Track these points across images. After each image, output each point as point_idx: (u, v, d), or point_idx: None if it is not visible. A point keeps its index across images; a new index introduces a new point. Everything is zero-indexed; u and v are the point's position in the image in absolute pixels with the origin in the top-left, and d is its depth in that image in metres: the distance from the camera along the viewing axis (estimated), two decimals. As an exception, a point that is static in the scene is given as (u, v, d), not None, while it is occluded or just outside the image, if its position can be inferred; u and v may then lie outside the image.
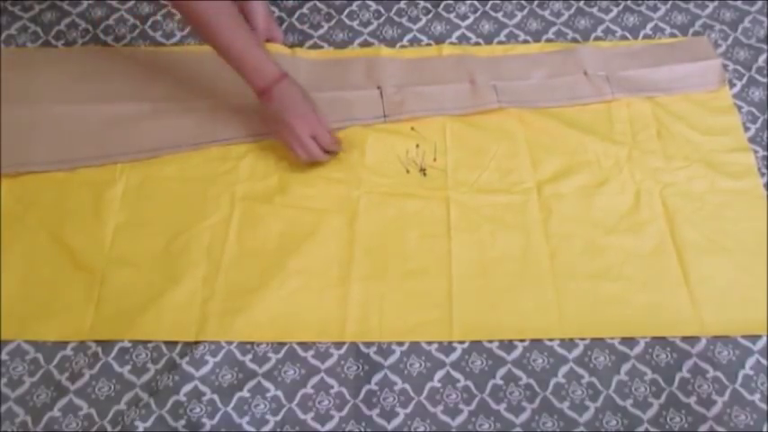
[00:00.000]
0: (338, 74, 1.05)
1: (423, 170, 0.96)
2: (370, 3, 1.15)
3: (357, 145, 0.98)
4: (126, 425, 0.76)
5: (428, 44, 1.10)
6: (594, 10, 1.14)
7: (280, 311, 0.84)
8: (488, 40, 1.11)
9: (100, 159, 0.95)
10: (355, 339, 0.83)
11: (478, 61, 1.06)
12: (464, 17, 1.13)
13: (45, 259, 0.87)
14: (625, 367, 0.81)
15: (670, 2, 1.15)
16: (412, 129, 0.99)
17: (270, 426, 0.77)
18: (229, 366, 0.81)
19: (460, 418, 0.78)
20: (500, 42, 1.10)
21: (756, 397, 0.79)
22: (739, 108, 1.02)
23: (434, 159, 0.97)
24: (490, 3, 1.15)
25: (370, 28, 1.12)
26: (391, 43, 1.10)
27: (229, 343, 0.83)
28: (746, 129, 1.00)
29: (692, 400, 0.79)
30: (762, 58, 1.08)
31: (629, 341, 0.83)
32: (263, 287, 0.86)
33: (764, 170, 0.96)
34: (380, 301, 0.85)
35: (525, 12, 1.14)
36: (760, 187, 0.94)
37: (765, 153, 0.98)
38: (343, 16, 1.13)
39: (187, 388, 0.79)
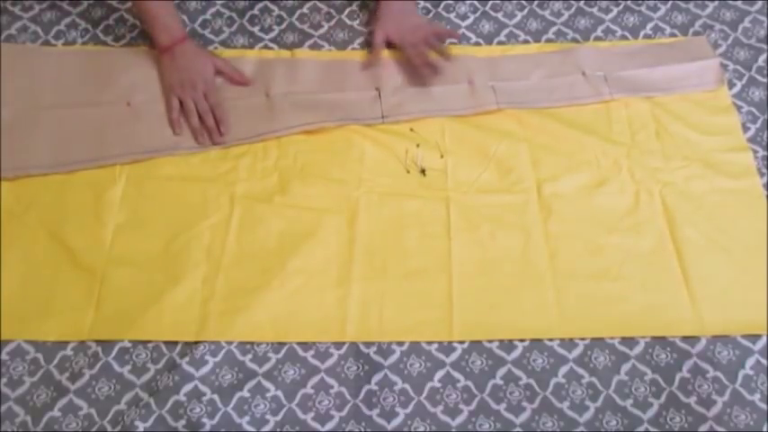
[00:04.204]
0: (337, 75, 1.05)
1: (423, 170, 0.96)
2: (370, 2, 1.15)
3: (357, 145, 0.98)
4: (126, 425, 0.76)
5: (428, 44, 1.10)
6: (594, 10, 1.14)
7: (280, 311, 0.84)
8: (488, 40, 1.11)
9: (99, 161, 0.95)
10: (355, 339, 0.83)
11: (477, 62, 1.06)
12: (464, 17, 1.13)
13: (45, 259, 0.87)
14: (625, 367, 0.81)
15: (670, 2, 1.15)
16: (411, 130, 0.99)
17: (270, 426, 0.77)
18: (229, 366, 0.81)
19: (460, 418, 0.78)
20: (500, 42, 1.10)
21: (756, 397, 0.79)
22: (739, 108, 1.02)
23: (441, 156, 0.97)
24: (490, 3, 1.15)
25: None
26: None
27: (229, 343, 0.83)
28: (746, 129, 1.00)
29: (692, 400, 0.79)
30: (762, 58, 1.08)
31: (629, 341, 0.83)
32: (263, 287, 0.86)
33: (764, 170, 0.96)
34: (380, 301, 0.85)
35: (525, 12, 1.14)
36: (759, 187, 0.95)
37: (765, 153, 0.98)
38: (343, 16, 1.13)
39: (187, 388, 0.79)
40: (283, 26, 1.12)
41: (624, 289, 0.86)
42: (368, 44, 1.09)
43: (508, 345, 0.83)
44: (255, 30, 1.11)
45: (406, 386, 0.80)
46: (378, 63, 1.05)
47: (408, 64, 1.04)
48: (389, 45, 1.07)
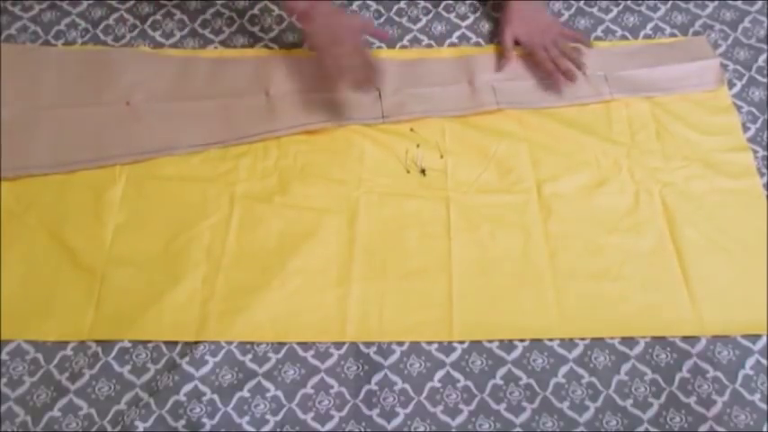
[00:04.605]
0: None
1: (423, 170, 0.96)
2: (370, 3, 1.15)
3: (357, 145, 0.98)
4: (126, 425, 0.76)
5: (428, 44, 1.10)
6: (594, 10, 1.14)
7: (280, 311, 0.84)
8: (488, 40, 1.10)
9: (99, 161, 0.95)
10: (355, 339, 0.83)
11: (477, 62, 1.06)
12: (464, 17, 1.13)
13: (45, 259, 0.87)
14: (625, 367, 0.81)
15: (670, 2, 1.15)
16: (411, 130, 0.99)
17: (270, 426, 0.77)
18: (229, 366, 0.81)
19: (460, 418, 0.78)
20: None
21: (756, 397, 0.79)
22: (739, 108, 1.02)
23: (441, 157, 0.97)
24: (490, 3, 1.15)
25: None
26: (391, 43, 1.10)
27: (229, 343, 0.83)
28: (746, 129, 1.00)
29: (692, 400, 0.79)
30: (762, 58, 1.08)
31: (629, 341, 0.83)
32: (263, 287, 0.86)
33: (764, 170, 0.96)
34: (380, 301, 0.85)
35: (525, 12, 1.14)
36: (759, 187, 0.94)
37: (765, 153, 0.98)
38: (343, 16, 1.13)
39: (187, 388, 0.79)
40: (283, 26, 1.12)
41: (624, 289, 0.86)
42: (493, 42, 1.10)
43: (508, 345, 0.83)
44: (255, 30, 1.11)
45: (406, 386, 0.80)
46: (509, 64, 1.06)
47: (537, 67, 1.05)
48: (517, 45, 1.07)
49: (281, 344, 0.83)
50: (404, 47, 1.10)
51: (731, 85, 1.05)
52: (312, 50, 1.02)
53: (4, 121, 0.97)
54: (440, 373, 0.81)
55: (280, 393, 0.79)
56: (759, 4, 1.14)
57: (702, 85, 1.04)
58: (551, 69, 1.03)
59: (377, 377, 0.81)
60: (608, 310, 0.85)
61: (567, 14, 1.14)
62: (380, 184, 0.95)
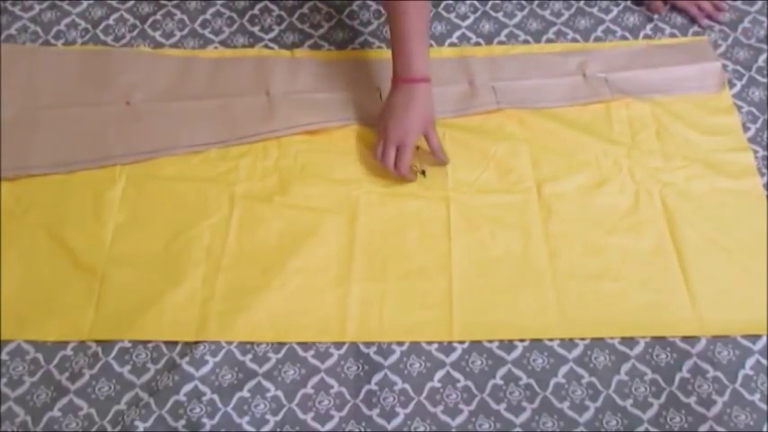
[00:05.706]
0: (337, 75, 1.05)
1: (423, 171, 0.96)
2: (370, 2, 1.15)
3: (357, 145, 0.98)
4: (126, 425, 0.76)
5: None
6: (594, 10, 1.14)
7: (280, 311, 0.84)
8: (488, 40, 1.11)
9: (99, 162, 0.95)
10: (355, 339, 0.83)
11: (477, 62, 1.06)
12: (464, 17, 1.13)
13: (45, 259, 0.87)
14: (625, 367, 0.81)
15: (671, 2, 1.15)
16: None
17: (270, 426, 0.77)
18: (229, 366, 0.81)
19: (460, 418, 0.78)
20: (500, 42, 1.10)
21: (756, 397, 0.79)
22: (739, 108, 1.02)
23: None
24: (490, 3, 1.15)
25: (371, 28, 1.11)
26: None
27: (229, 343, 0.83)
28: (746, 129, 1.00)
29: (692, 400, 0.79)
30: (762, 58, 1.08)
31: (629, 341, 0.83)
32: (263, 287, 0.86)
33: (764, 170, 0.96)
34: (380, 301, 0.85)
35: (525, 12, 1.14)
36: (759, 187, 0.94)
37: (765, 153, 0.98)
38: (343, 16, 1.13)
39: (187, 388, 0.79)
40: (283, 26, 1.12)
41: (624, 289, 0.86)
42: None
43: (508, 345, 0.83)
44: (255, 30, 1.11)
45: (406, 386, 0.80)
46: (658, 11, 1.12)
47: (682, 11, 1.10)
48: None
49: (281, 344, 0.83)
50: (404, 47, 1.10)
51: (731, 85, 1.05)
52: (382, 113, 0.95)
53: (4, 121, 0.98)
54: (440, 373, 0.81)
55: (280, 393, 0.79)
56: (759, 4, 1.14)
57: (703, 89, 1.04)
58: (696, 14, 1.11)
59: (377, 377, 0.80)
60: (608, 310, 0.85)
61: (566, 14, 1.14)
62: (380, 184, 0.95)
